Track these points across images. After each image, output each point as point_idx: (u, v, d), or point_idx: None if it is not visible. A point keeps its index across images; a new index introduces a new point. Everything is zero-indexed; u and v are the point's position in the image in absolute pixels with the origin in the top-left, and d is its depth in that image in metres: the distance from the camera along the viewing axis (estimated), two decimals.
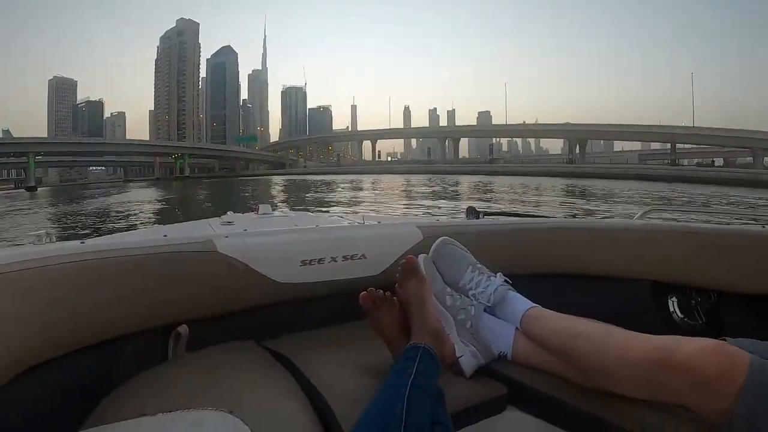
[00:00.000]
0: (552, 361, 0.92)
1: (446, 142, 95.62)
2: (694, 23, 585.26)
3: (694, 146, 70.75)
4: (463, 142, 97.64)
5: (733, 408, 0.64)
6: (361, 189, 26.09)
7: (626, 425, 0.77)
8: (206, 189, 34.79)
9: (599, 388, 0.83)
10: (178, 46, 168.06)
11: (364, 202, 17.48)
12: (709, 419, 0.69)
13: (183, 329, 1.02)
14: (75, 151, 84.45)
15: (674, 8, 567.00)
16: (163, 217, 14.09)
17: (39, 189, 61.14)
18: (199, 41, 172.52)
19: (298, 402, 0.84)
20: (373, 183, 33.73)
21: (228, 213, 2.25)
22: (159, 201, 22.13)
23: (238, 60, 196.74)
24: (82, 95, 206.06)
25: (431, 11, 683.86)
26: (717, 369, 0.66)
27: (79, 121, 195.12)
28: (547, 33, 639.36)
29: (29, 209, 19.63)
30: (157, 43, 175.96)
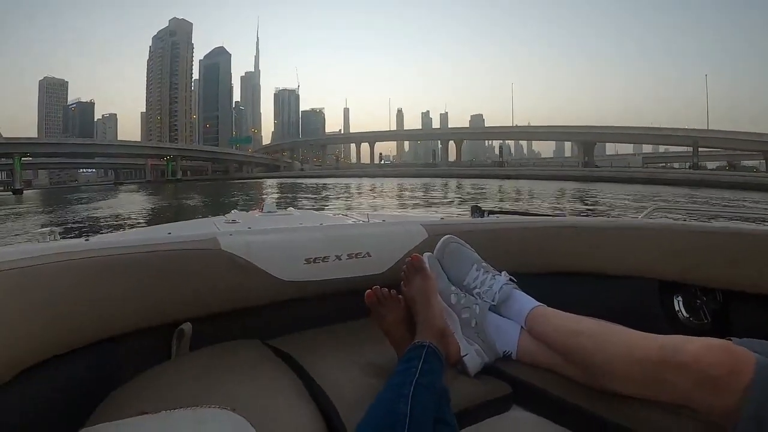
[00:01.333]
0: (557, 360, 0.91)
1: (449, 145, 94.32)
2: (706, 23, 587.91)
3: (705, 149, 69.54)
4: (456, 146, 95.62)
5: (739, 408, 0.63)
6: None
7: (631, 425, 0.77)
8: (202, 194, 32.39)
9: (604, 387, 0.82)
10: (170, 46, 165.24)
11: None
12: (713, 419, 0.68)
13: (186, 327, 1.01)
14: (64, 152, 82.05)
15: (683, 8, 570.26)
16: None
17: (27, 192, 59.34)
18: (192, 42, 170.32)
19: (302, 400, 0.84)
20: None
21: (232, 211, 2.26)
22: (148, 211, 19.82)
23: (231, 61, 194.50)
24: (73, 96, 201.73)
25: (423, 15, 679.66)
26: (722, 368, 0.66)
27: (69, 123, 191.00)
28: (543, 37, 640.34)
29: None
30: (150, 44, 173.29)
